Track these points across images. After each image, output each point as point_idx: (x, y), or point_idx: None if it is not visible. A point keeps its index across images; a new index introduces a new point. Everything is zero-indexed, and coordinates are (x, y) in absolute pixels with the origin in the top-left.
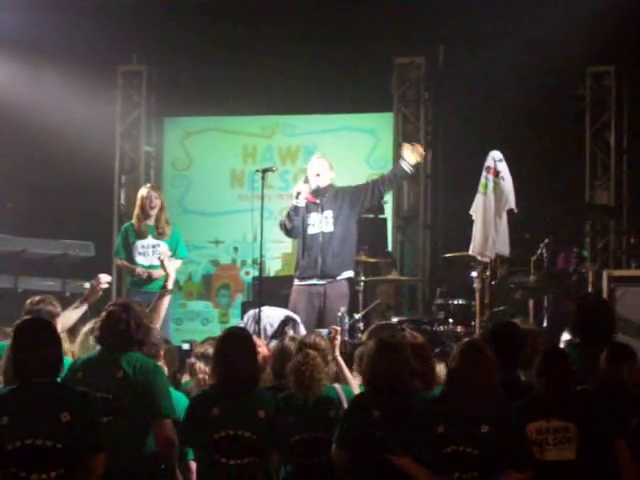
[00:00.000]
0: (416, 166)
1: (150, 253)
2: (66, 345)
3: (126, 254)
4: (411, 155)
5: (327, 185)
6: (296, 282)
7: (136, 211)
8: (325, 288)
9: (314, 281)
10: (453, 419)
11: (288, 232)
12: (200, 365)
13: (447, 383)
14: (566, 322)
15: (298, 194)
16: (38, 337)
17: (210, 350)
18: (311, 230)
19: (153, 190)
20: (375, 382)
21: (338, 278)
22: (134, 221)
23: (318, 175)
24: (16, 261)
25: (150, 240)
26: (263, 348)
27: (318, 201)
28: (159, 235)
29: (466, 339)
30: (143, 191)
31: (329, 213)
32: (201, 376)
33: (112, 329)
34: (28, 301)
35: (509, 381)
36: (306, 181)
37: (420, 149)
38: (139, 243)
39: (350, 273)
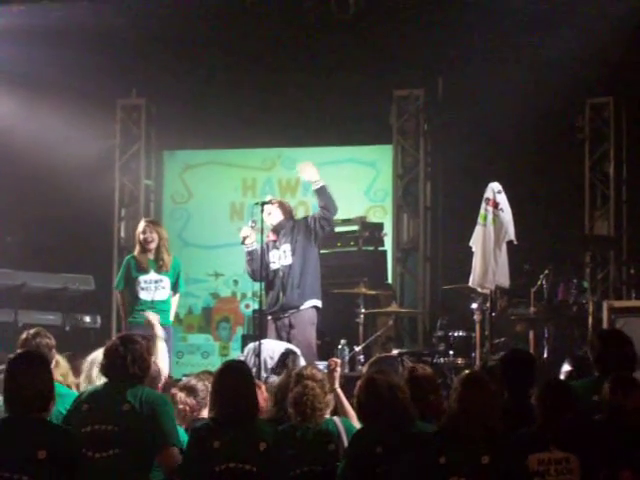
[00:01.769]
0: (316, 179)
1: (153, 288)
2: (70, 379)
3: (127, 287)
4: (307, 174)
5: (283, 220)
6: (268, 317)
7: (137, 246)
8: (290, 319)
9: (279, 314)
10: (454, 450)
11: (251, 276)
12: (181, 396)
13: (448, 415)
14: (566, 353)
15: (244, 239)
16: (27, 372)
17: (193, 382)
18: (273, 267)
19: (148, 225)
20: (366, 419)
21: (302, 308)
22: (135, 254)
23: (269, 214)
24: (16, 295)
25: (152, 275)
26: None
27: (277, 238)
28: (160, 268)
29: (466, 371)
30: (140, 226)
31: (286, 247)
32: (181, 406)
33: (110, 363)
34: (23, 336)
35: (520, 408)
36: (252, 225)
37: (303, 165)
38: (141, 278)
39: (315, 302)
